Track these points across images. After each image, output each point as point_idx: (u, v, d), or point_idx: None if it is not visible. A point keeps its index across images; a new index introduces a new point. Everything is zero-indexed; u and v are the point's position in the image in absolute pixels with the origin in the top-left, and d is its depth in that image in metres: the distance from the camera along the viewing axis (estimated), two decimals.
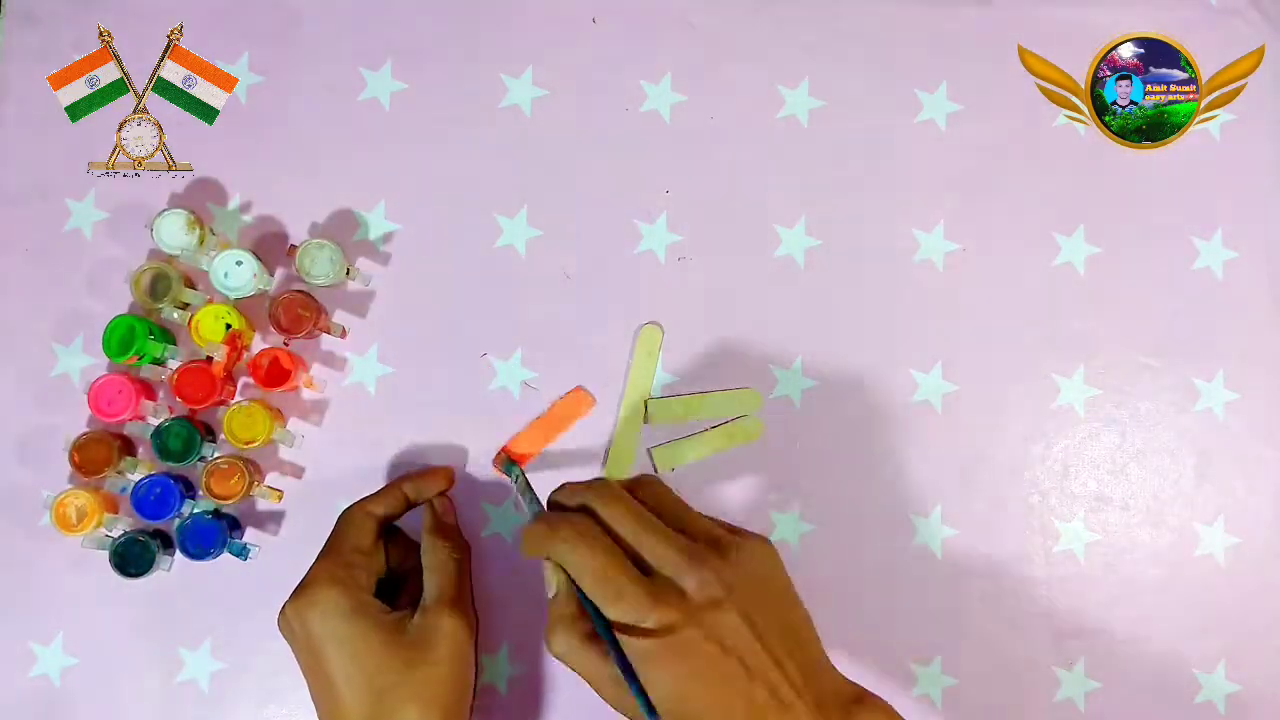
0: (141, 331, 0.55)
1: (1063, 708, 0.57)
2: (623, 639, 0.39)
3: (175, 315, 0.55)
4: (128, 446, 0.57)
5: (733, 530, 0.43)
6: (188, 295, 0.56)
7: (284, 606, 0.47)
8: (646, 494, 0.44)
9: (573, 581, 0.41)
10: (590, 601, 0.40)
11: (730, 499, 0.58)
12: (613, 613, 0.39)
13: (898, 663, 0.57)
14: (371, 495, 0.53)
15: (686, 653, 0.38)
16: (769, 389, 0.59)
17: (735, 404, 0.58)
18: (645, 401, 0.58)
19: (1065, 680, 0.57)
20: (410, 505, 0.54)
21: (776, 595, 0.42)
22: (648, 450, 0.58)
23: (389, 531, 0.54)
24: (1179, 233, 0.60)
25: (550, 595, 0.43)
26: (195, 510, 0.55)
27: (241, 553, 0.55)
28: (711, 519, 0.44)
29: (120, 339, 0.55)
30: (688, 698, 0.38)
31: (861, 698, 0.41)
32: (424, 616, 0.47)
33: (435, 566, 0.50)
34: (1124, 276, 0.60)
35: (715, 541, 0.41)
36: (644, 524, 0.41)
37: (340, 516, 0.52)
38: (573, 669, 0.41)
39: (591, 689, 0.41)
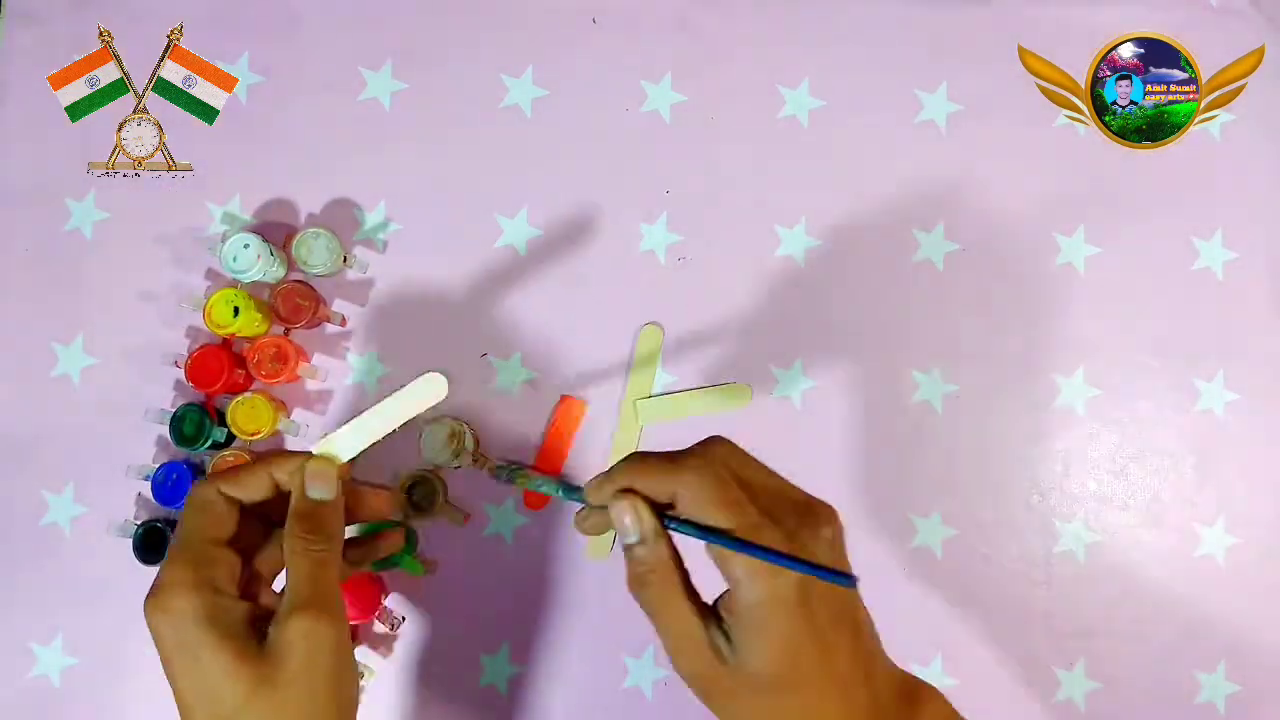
0: None
1: (1063, 708, 0.57)
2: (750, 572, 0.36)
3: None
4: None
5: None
6: (451, 513, 0.57)
7: (144, 605, 0.40)
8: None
9: (663, 522, 0.38)
10: (699, 528, 0.37)
11: None
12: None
13: (898, 663, 0.57)
14: (227, 473, 0.44)
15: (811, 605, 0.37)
16: (769, 389, 0.59)
17: (723, 399, 0.58)
18: (634, 402, 0.58)
19: (1065, 680, 0.57)
20: (280, 492, 0.44)
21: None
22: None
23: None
24: (1179, 233, 0.60)
25: (633, 540, 0.38)
26: None
27: None
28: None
29: None
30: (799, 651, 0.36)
31: (917, 689, 0.41)
32: (276, 627, 0.40)
33: (291, 565, 0.42)
34: (1124, 276, 0.60)
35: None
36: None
37: (190, 498, 0.43)
38: (658, 620, 0.38)
39: (665, 647, 0.38)
